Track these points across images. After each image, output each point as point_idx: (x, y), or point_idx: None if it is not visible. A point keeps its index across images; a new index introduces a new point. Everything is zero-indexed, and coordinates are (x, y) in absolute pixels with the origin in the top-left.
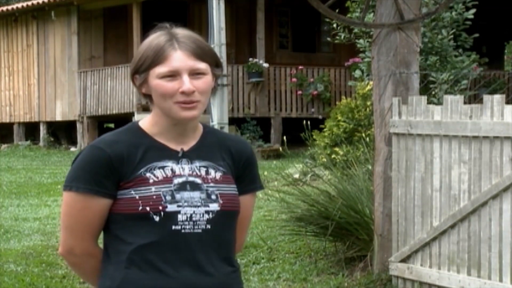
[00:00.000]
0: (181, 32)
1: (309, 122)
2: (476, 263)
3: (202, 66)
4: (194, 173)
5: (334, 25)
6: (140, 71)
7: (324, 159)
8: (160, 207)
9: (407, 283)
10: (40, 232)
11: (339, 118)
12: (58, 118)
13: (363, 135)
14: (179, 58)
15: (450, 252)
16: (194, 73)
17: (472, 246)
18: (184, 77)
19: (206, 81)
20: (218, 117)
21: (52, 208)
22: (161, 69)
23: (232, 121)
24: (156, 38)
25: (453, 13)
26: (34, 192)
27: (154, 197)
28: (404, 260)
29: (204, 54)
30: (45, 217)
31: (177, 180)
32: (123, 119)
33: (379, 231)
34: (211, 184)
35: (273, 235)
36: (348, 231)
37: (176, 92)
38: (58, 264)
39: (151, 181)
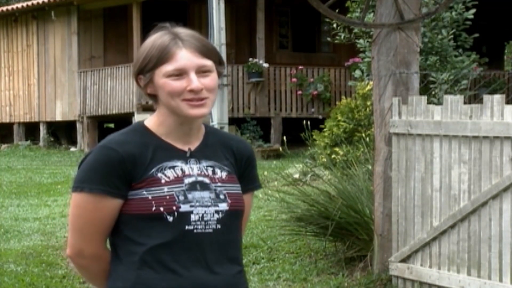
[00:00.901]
0: (183, 31)
1: (309, 122)
2: (476, 263)
3: (208, 63)
4: (203, 173)
5: (334, 25)
6: (145, 71)
7: (324, 159)
8: (174, 207)
9: (407, 283)
10: (40, 232)
11: (339, 118)
12: (58, 118)
13: (363, 135)
14: (185, 56)
15: (450, 252)
16: (201, 71)
17: (472, 246)
18: (191, 75)
19: (213, 78)
20: (218, 117)
21: (52, 208)
22: (167, 68)
23: (232, 121)
24: (159, 37)
25: (453, 13)
26: (34, 192)
27: (167, 197)
28: (404, 260)
29: (209, 51)
30: (45, 217)
31: (187, 180)
32: (123, 119)
33: (379, 231)
34: (219, 184)
35: (273, 235)
36: (348, 231)
37: (184, 90)
38: (58, 264)
39: (163, 181)
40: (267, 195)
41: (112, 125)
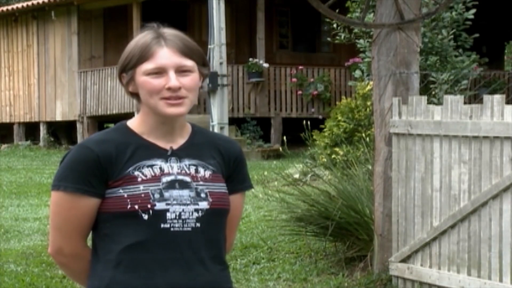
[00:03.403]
0: (168, 31)
1: (309, 122)
2: (476, 263)
3: (189, 63)
4: (183, 171)
5: (334, 25)
6: (127, 69)
7: (324, 159)
8: (149, 205)
9: (407, 283)
10: (40, 232)
11: (339, 118)
12: (58, 118)
13: (363, 135)
14: (165, 55)
15: (450, 252)
16: (181, 70)
17: (472, 246)
18: (170, 74)
19: (192, 78)
20: (218, 117)
21: None
22: (147, 66)
23: (232, 121)
24: (143, 36)
25: (453, 13)
26: (34, 192)
27: (143, 195)
28: (404, 260)
29: (191, 52)
30: (45, 217)
31: (165, 179)
32: (123, 119)
33: (379, 231)
34: (201, 183)
35: (273, 235)
36: (348, 231)
37: (162, 89)
38: None
39: (139, 179)
40: (267, 195)
41: (112, 125)
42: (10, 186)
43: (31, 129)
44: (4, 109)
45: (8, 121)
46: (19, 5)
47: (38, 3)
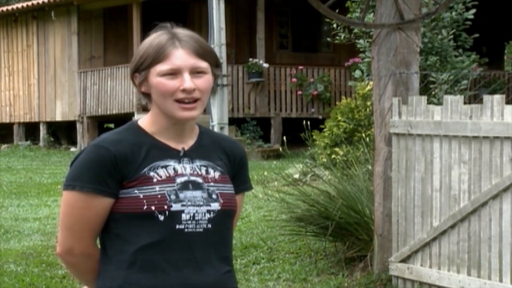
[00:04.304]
0: (182, 31)
1: (309, 122)
2: (476, 263)
3: (203, 64)
4: (195, 172)
5: (334, 25)
6: (141, 70)
7: (324, 159)
8: (165, 207)
9: (407, 283)
10: (40, 232)
11: (339, 118)
12: (58, 118)
13: (363, 135)
14: (180, 56)
15: (450, 252)
16: (195, 72)
17: (472, 246)
18: (185, 75)
19: (206, 79)
20: (218, 117)
21: (52, 208)
22: (162, 67)
23: (232, 121)
24: (157, 37)
25: (453, 13)
26: (34, 192)
27: (159, 196)
28: (404, 260)
29: (205, 53)
30: (45, 217)
31: (179, 180)
32: (123, 119)
33: (379, 231)
34: (211, 184)
35: (273, 235)
36: (348, 231)
37: (176, 90)
38: (58, 264)
39: (154, 180)
40: (267, 195)
41: (112, 125)
42: (10, 186)
43: (31, 129)
44: (4, 109)
45: (8, 121)
46: (19, 5)
47: (38, 3)
